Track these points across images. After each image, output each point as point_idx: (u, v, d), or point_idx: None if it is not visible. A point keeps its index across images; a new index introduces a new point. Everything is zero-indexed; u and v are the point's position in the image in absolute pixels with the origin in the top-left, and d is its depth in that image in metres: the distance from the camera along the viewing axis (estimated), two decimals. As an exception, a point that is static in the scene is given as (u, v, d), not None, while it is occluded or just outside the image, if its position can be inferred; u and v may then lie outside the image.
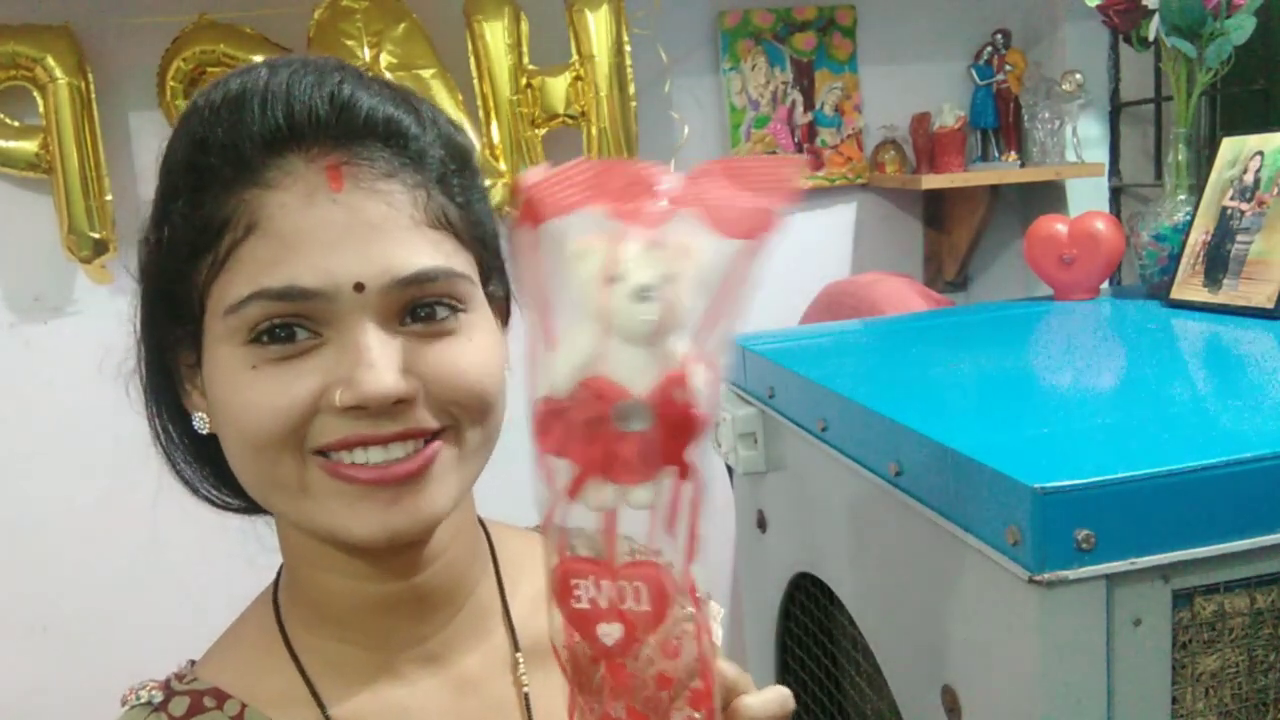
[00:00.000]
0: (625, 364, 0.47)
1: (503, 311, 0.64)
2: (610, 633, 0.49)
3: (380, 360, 0.51)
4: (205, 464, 0.62)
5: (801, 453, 1.25)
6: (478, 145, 2.01)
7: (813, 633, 1.33)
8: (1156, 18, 1.51)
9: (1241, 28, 1.46)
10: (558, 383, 0.48)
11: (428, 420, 0.54)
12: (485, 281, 0.60)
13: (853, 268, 2.39)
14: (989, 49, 2.32)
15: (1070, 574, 0.75)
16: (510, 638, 0.64)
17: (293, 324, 0.52)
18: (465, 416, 0.56)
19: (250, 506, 0.63)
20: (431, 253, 0.54)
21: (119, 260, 1.99)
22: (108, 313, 2.05)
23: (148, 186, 2.24)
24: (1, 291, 2.03)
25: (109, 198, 1.92)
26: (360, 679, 0.59)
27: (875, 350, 1.47)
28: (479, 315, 0.57)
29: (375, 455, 0.53)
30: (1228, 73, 1.51)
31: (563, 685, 0.57)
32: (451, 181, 0.57)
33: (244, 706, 0.57)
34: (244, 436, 0.54)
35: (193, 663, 0.62)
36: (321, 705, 0.58)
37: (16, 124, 1.91)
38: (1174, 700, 0.79)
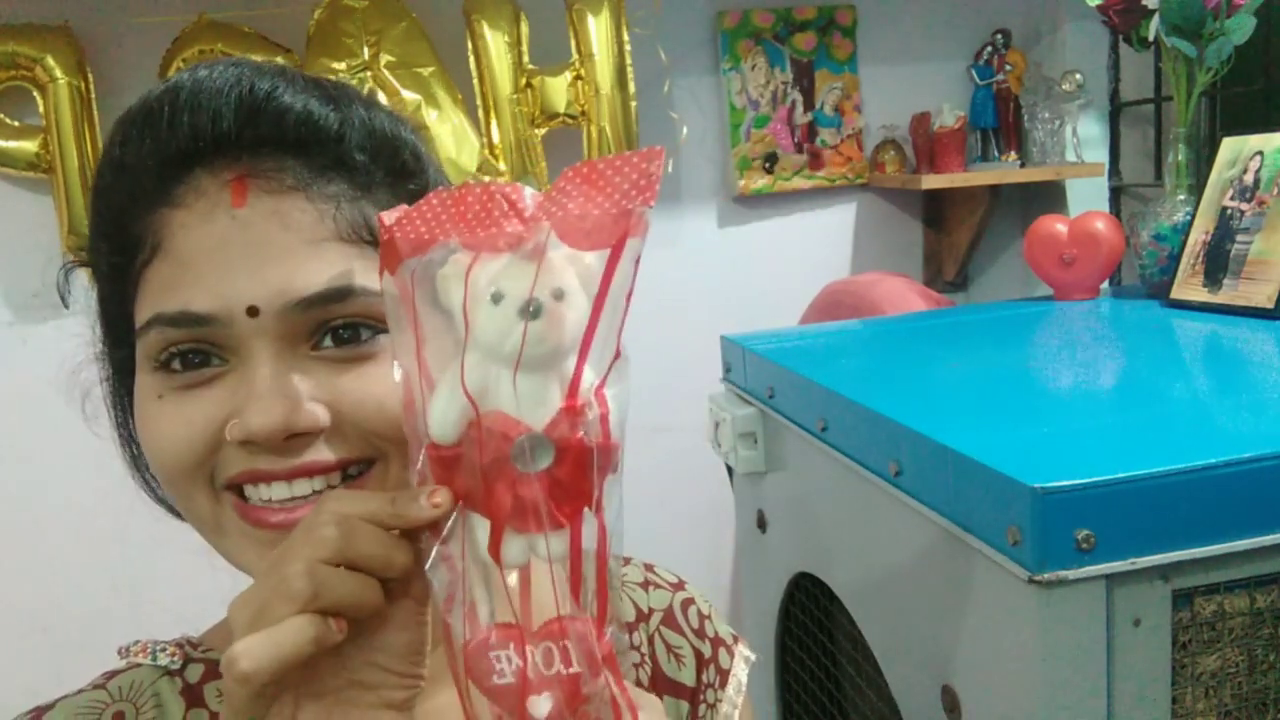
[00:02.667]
0: (512, 395, 0.42)
1: None
2: (541, 704, 0.44)
3: (270, 392, 0.48)
4: None
5: (801, 453, 1.25)
6: (476, 144, 2.01)
7: (813, 633, 1.33)
8: (1156, 18, 1.51)
9: (1241, 28, 1.46)
10: (440, 430, 0.43)
11: (338, 451, 0.50)
12: None
13: (853, 268, 2.40)
14: (989, 49, 2.32)
15: (1070, 574, 0.75)
16: None
17: (205, 350, 0.50)
18: (393, 449, 0.51)
19: None
20: (341, 271, 0.49)
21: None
22: (108, 313, 2.06)
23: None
24: (1, 290, 2.03)
25: (109, 197, 1.93)
26: None
27: (875, 350, 1.47)
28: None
29: (278, 491, 0.50)
30: (1228, 73, 1.51)
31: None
32: (378, 189, 0.53)
33: None
34: (157, 468, 0.52)
35: (202, 634, 0.62)
36: None
37: (16, 124, 1.91)
38: (1174, 700, 0.79)
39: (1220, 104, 2.13)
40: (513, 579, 0.44)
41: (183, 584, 2.04)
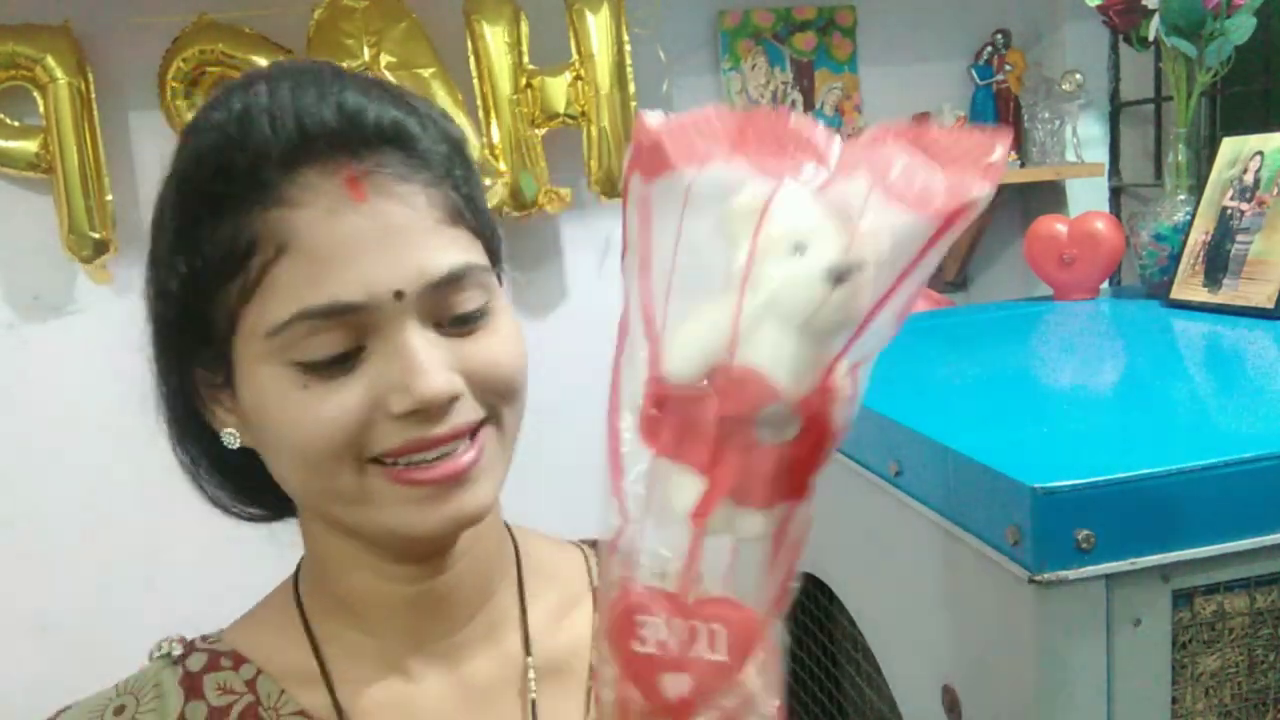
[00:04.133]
0: (782, 357, 0.38)
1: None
2: (676, 685, 0.41)
3: (430, 362, 0.52)
4: (227, 478, 0.63)
5: (801, 453, 1.25)
6: (476, 144, 2.01)
7: (813, 633, 1.33)
8: (1156, 18, 1.51)
9: (1241, 28, 1.46)
10: (680, 365, 0.40)
11: (475, 413, 0.54)
12: (494, 263, 0.59)
13: (853, 268, 2.40)
14: (989, 49, 2.32)
15: (1070, 574, 0.75)
16: (524, 648, 0.63)
17: (342, 342, 0.52)
18: (501, 403, 0.56)
19: (271, 515, 0.64)
20: (456, 250, 0.54)
21: (119, 260, 1.99)
22: (108, 313, 2.05)
23: (148, 186, 2.22)
24: (1, 291, 2.03)
25: (109, 197, 1.92)
26: (371, 668, 0.60)
27: (875, 350, 1.47)
28: (499, 303, 0.57)
29: (431, 457, 0.53)
30: (1228, 73, 1.51)
31: (574, 706, 0.54)
32: (456, 176, 0.57)
33: (259, 672, 0.59)
34: (299, 452, 0.54)
35: (221, 630, 0.64)
36: (331, 687, 0.59)
37: (16, 124, 1.91)
38: (1174, 700, 0.79)
39: (1220, 104, 2.12)
40: (675, 547, 0.39)
41: (182, 584, 2.04)
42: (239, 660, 0.59)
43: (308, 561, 0.63)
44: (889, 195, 0.38)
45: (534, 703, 0.61)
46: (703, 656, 0.41)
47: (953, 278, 2.41)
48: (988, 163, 0.39)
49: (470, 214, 0.57)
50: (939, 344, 1.43)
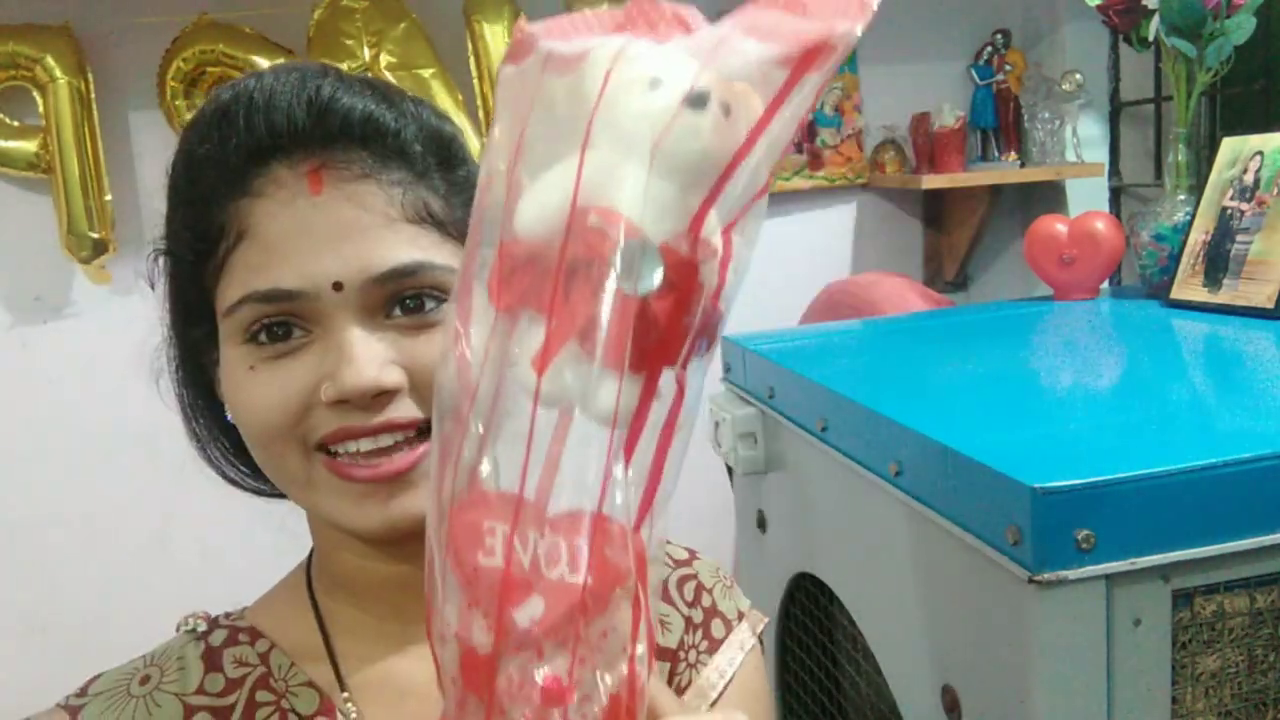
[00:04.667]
0: (640, 195, 0.34)
1: None
2: (528, 609, 0.34)
3: (361, 355, 0.53)
4: (238, 453, 0.65)
5: (801, 453, 1.25)
6: (475, 145, 2.01)
7: (813, 633, 1.33)
8: (1156, 18, 1.51)
9: (1241, 28, 1.46)
10: (534, 217, 0.36)
11: (413, 411, 0.55)
12: None
13: (853, 268, 2.39)
14: (989, 49, 2.32)
15: (1070, 574, 0.75)
16: None
17: (288, 322, 0.55)
18: None
19: (276, 492, 0.65)
20: (409, 248, 0.55)
21: (118, 260, 1.99)
22: (107, 313, 2.05)
23: (148, 186, 2.24)
24: (1, 291, 2.03)
25: (108, 198, 1.92)
26: (369, 644, 0.62)
27: (875, 350, 1.47)
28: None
29: (365, 445, 0.55)
30: (1228, 73, 1.51)
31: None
32: (433, 176, 0.58)
33: (272, 647, 0.62)
34: (250, 432, 0.57)
35: (245, 608, 0.67)
36: (335, 663, 0.62)
37: (16, 124, 1.91)
38: (1174, 700, 0.79)
39: (1220, 104, 2.12)
40: (547, 419, 0.33)
41: (182, 584, 2.04)
42: (255, 636, 0.63)
43: (314, 543, 0.66)
44: (747, 33, 0.36)
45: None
46: (561, 579, 0.34)
47: (953, 278, 2.41)
48: (860, 4, 0.38)
49: (445, 215, 0.57)
50: (939, 344, 1.43)
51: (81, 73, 1.88)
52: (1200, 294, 1.43)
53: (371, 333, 0.54)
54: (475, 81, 2.00)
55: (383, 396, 0.54)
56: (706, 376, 0.39)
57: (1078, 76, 2.19)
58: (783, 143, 0.37)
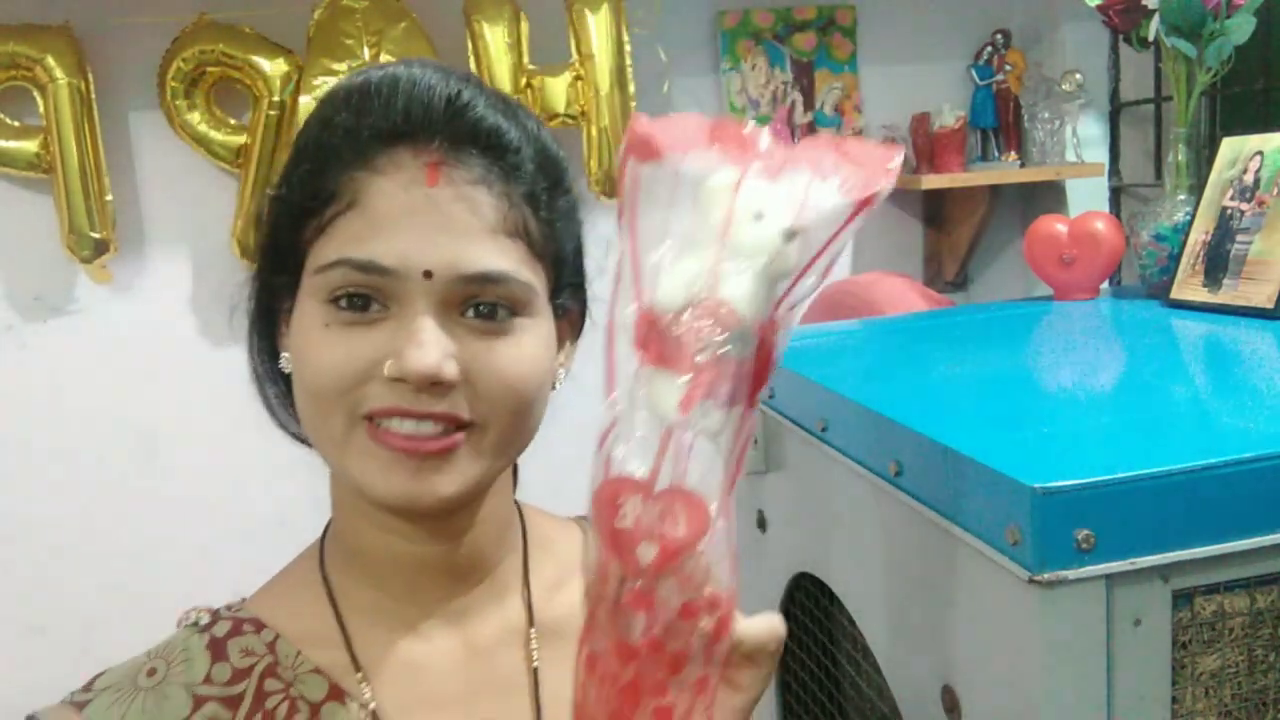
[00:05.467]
0: (746, 293, 0.52)
1: (575, 324, 0.70)
2: (646, 553, 0.51)
3: (429, 342, 0.57)
4: (285, 397, 0.67)
5: (801, 453, 1.25)
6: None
7: (813, 633, 1.33)
8: (1156, 18, 1.51)
9: (1241, 28, 1.46)
10: (668, 296, 0.52)
11: (461, 408, 0.58)
12: (555, 294, 0.64)
13: (853, 268, 2.40)
14: (989, 49, 2.32)
15: (1070, 574, 0.75)
16: (526, 614, 0.68)
17: (367, 294, 0.58)
18: (493, 416, 0.60)
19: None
20: (499, 258, 0.59)
21: (119, 260, 1.99)
22: (108, 312, 2.05)
23: (148, 186, 2.25)
24: (2, 291, 2.03)
25: (109, 197, 1.92)
26: (386, 627, 0.64)
27: (875, 350, 1.47)
28: (534, 323, 0.61)
29: (408, 426, 0.58)
30: (1228, 73, 1.51)
31: (570, 667, 0.61)
32: (539, 198, 0.62)
33: (277, 636, 0.64)
34: (306, 385, 0.60)
35: (244, 599, 0.68)
36: (350, 646, 0.63)
37: (16, 124, 1.91)
38: (1174, 700, 0.79)
39: (1220, 104, 2.12)
40: (644, 442, 0.52)
41: (183, 584, 2.04)
42: (259, 626, 0.64)
43: (333, 519, 0.68)
44: (823, 183, 0.54)
45: (536, 670, 0.67)
46: (668, 532, 0.52)
47: (953, 278, 2.41)
48: (888, 167, 0.55)
49: (540, 236, 0.62)
50: (939, 344, 1.43)
51: (81, 73, 1.88)
52: (1200, 294, 1.43)
53: (443, 325, 0.58)
54: (475, 81, 2.00)
55: (437, 387, 0.57)
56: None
57: (1078, 76, 2.20)
58: (832, 260, 0.54)
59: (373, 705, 0.62)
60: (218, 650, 0.63)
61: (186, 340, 2.10)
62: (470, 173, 0.59)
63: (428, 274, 0.57)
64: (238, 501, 2.07)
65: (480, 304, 0.59)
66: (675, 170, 0.53)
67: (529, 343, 0.61)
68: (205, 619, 0.66)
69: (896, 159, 0.55)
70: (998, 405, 1.07)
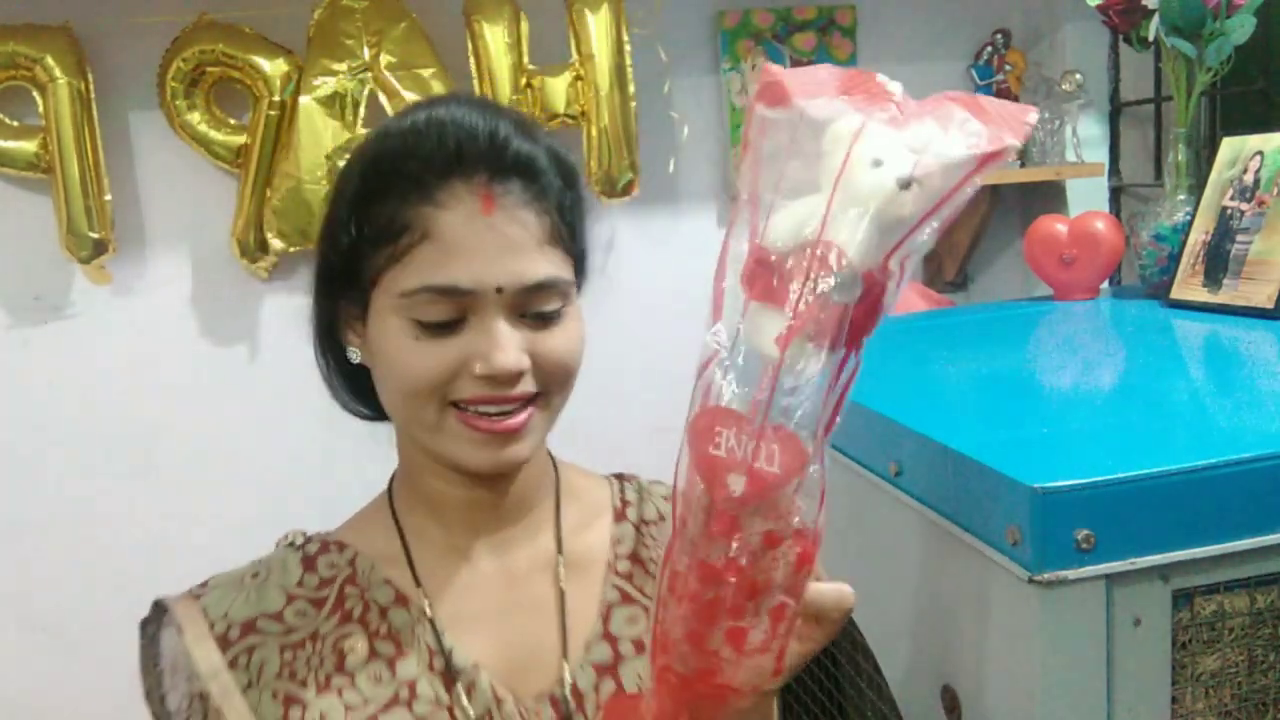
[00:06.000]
0: (857, 238, 0.53)
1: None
2: (736, 485, 0.54)
3: (508, 344, 0.69)
4: (348, 382, 0.80)
5: (801, 453, 1.25)
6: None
7: (813, 633, 1.33)
8: (1156, 18, 1.51)
9: (1241, 28, 1.46)
10: (780, 236, 0.54)
11: (530, 386, 0.71)
12: (579, 278, 0.76)
13: (853, 268, 2.39)
14: (989, 49, 2.32)
15: (1070, 574, 0.75)
16: (556, 547, 0.81)
17: (449, 314, 0.69)
18: (554, 385, 0.73)
19: (375, 417, 0.81)
20: (550, 267, 0.71)
21: (118, 260, 1.98)
22: (107, 313, 2.05)
23: (148, 187, 2.24)
24: (1, 291, 2.03)
25: (108, 198, 1.92)
26: (441, 553, 0.78)
27: (875, 350, 1.47)
28: (573, 308, 0.74)
29: (492, 409, 0.70)
30: (1228, 73, 1.51)
31: (590, 591, 0.77)
32: (566, 206, 0.73)
33: (357, 554, 0.78)
34: (402, 386, 0.71)
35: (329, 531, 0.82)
36: (412, 566, 0.77)
37: (16, 124, 1.91)
38: (1174, 700, 0.79)
39: (1220, 104, 2.12)
40: (747, 379, 0.54)
41: (182, 584, 2.04)
42: (342, 547, 0.79)
43: (400, 468, 0.81)
44: (945, 135, 0.54)
45: (563, 594, 0.79)
46: (761, 468, 0.53)
47: (953, 278, 2.41)
48: (1023, 121, 0.55)
49: (569, 238, 0.73)
50: (939, 344, 1.43)
51: (81, 73, 1.88)
52: (1200, 294, 1.43)
53: (512, 326, 0.70)
54: (475, 82, 2.00)
55: (513, 377, 0.70)
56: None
57: (1078, 76, 2.19)
58: (950, 216, 0.54)
59: (429, 612, 0.75)
60: (309, 564, 0.78)
61: (186, 340, 2.09)
62: (514, 196, 0.70)
63: (499, 290, 0.68)
64: (237, 501, 2.07)
65: (540, 309, 0.71)
66: (800, 115, 0.55)
67: (573, 326, 0.73)
68: (300, 539, 0.80)
69: (1031, 116, 0.55)
70: (998, 405, 1.07)
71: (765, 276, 0.53)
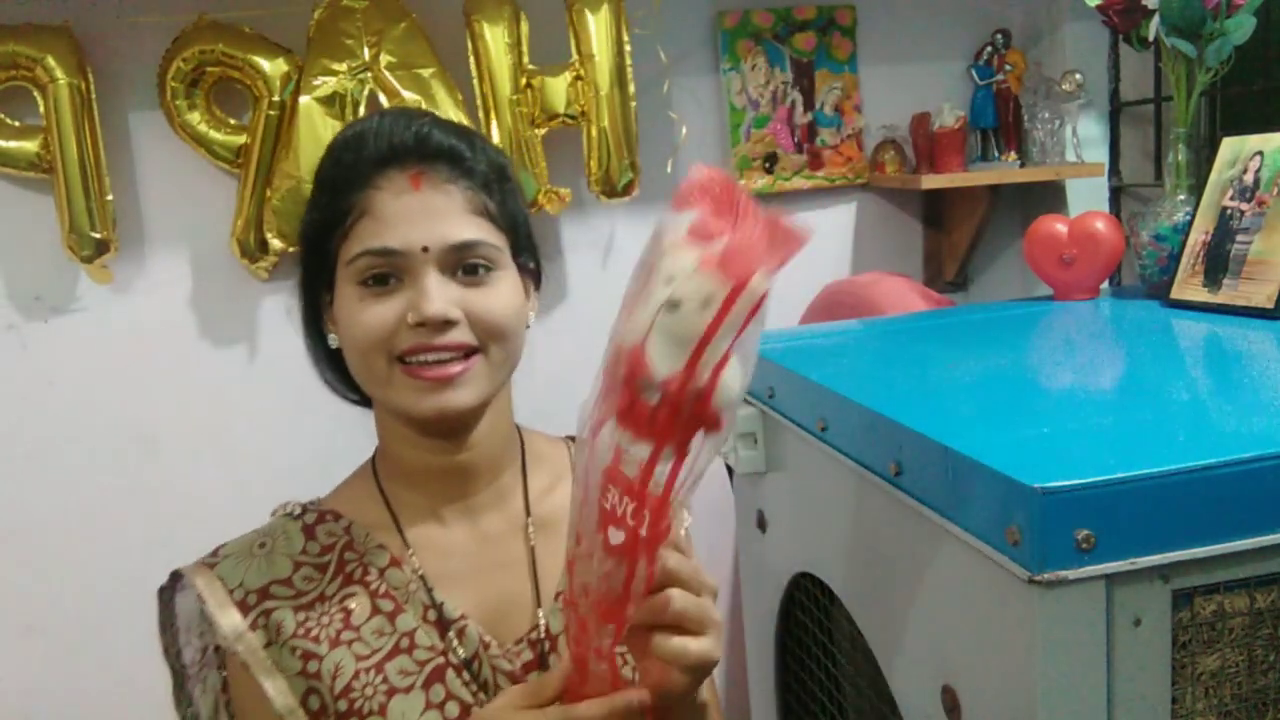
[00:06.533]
0: (655, 348, 0.60)
1: (534, 279, 0.93)
2: (617, 536, 0.65)
3: (436, 294, 0.80)
4: (335, 370, 0.91)
5: (801, 453, 1.25)
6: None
7: (813, 633, 1.33)
8: (1156, 18, 1.51)
9: (1241, 28, 1.46)
10: (627, 335, 0.62)
11: (466, 336, 0.81)
12: (516, 254, 0.88)
13: (853, 268, 2.39)
14: (989, 49, 2.32)
15: (1070, 574, 0.75)
16: (525, 509, 0.91)
17: (386, 273, 0.81)
18: (490, 340, 0.83)
19: (361, 401, 0.92)
20: (472, 230, 0.83)
21: (120, 260, 1.98)
22: (109, 312, 2.05)
23: (149, 186, 2.24)
24: (2, 291, 2.03)
25: (109, 197, 1.92)
26: (423, 519, 0.89)
27: (875, 350, 1.48)
28: (505, 274, 0.85)
29: (430, 357, 0.81)
30: (1228, 73, 1.51)
31: (557, 549, 0.83)
32: (492, 187, 0.86)
33: (350, 524, 0.88)
34: (354, 344, 0.82)
35: (318, 499, 0.92)
36: (401, 531, 0.87)
37: (17, 124, 1.91)
38: (1174, 700, 0.79)
39: (1220, 104, 2.12)
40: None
41: (183, 584, 2.04)
42: (337, 516, 0.89)
43: (379, 441, 0.91)
44: (700, 260, 0.61)
45: (534, 551, 0.90)
46: (634, 527, 0.64)
47: (953, 278, 2.41)
48: (775, 262, 0.62)
49: (498, 213, 0.85)
50: (939, 344, 1.44)
51: (81, 73, 1.88)
52: (1200, 294, 1.43)
53: (444, 282, 0.81)
54: (475, 81, 2.00)
55: (446, 325, 0.80)
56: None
57: (1078, 76, 2.19)
58: (746, 336, 0.62)
59: (420, 572, 0.86)
60: (309, 532, 0.87)
61: (186, 340, 2.09)
62: (440, 175, 0.83)
63: (425, 249, 0.80)
64: (237, 501, 2.07)
65: (465, 264, 0.82)
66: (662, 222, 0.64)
67: (504, 288, 0.84)
68: (297, 510, 0.89)
69: (798, 242, 0.63)
70: (998, 405, 1.07)
71: (609, 370, 0.63)
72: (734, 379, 0.62)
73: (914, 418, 0.96)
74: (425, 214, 0.81)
